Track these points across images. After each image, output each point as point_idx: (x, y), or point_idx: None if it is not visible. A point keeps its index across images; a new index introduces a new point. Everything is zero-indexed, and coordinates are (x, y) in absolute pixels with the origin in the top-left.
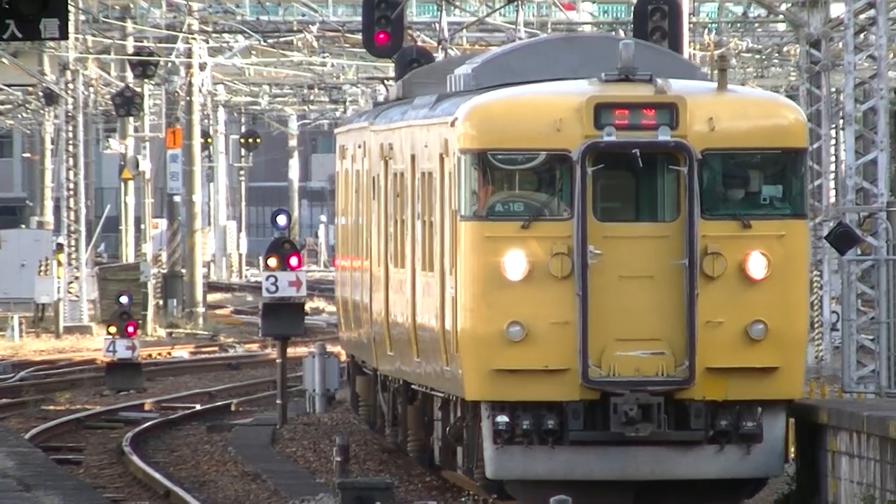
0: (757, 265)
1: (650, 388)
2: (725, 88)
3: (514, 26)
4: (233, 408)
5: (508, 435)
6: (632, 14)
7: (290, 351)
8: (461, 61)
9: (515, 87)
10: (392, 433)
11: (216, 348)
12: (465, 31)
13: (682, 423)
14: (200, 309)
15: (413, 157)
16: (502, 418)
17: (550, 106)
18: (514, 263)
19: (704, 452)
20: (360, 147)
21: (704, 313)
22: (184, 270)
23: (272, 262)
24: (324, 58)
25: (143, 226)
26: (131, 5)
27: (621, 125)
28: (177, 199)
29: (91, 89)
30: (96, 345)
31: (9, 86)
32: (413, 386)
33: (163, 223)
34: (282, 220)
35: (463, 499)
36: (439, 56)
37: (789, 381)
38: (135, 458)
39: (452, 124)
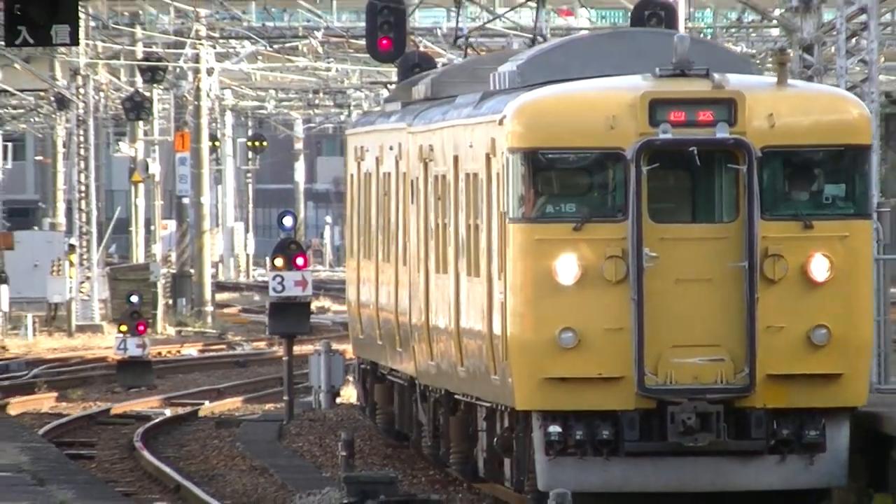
0: (819, 267)
1: (709, 396)
2: (785, 83)
3: (515, 30)
4: (201, 413)
5: (561, 446)
6: (629, 20)
7: (297, 349)
8: (493, 60)
9: (566, 84)
10: (432, 445)
11: (224, 346)
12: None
13: (743, 432)
14: (209, 308)
15: (456, 158)
16: (555, 428)
17: (603, 102)
18: (566, 267)
19: (765, 462)
20: (391, 148)
21: (765, 318)
22: (192, 270)
23: (279, 262)
24: (328, 63)
25: (152, 227)
26: (140, 12)
27: (677, 122)
28: (185, 201)
29: (101, 94)
30: (107, 343)
31: (21, 91)
32: (456, 396)
33: (172, 224)
34: (288, 221)
35: (464, 488)
36: (442, 61)
37: (853, 389)
38: (145, 454)
39: (500, 122)
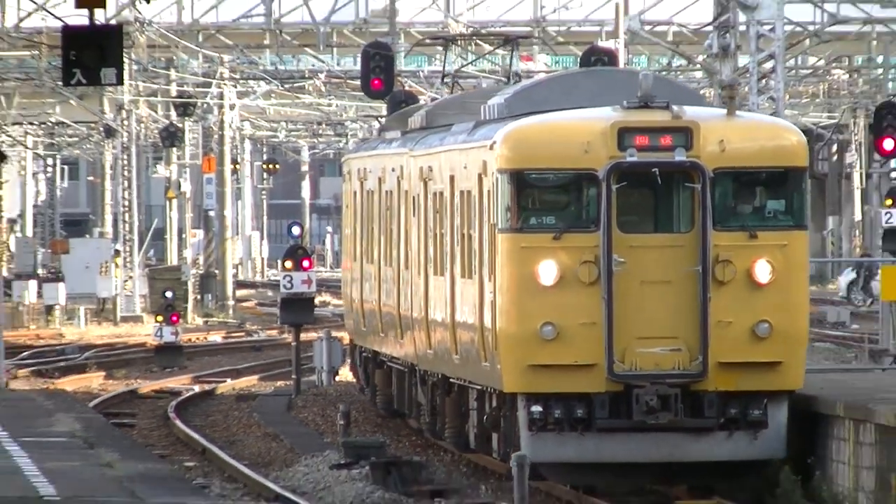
0: (762, 271)
1: (668, 380)
2: (734, 114)
3: (484, 73)
4: (223, 389)
5: (542, 423)
6: (578, 63)
7: (303, 336)
8: (479, 95)
9: (547, 114)
10: (430, 421)
11: (243, 333)
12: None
13: (697, 411)
14: (230, 302)
15: (452, 178)
16: (536, 408)
17: (579, 130)
18: (547, 271)
19: (716, 437)
20: (393, 170)
21: (716, 314)
22: (217, 271)
23: (288, 264)
24: (329, 99)
25: (184, 235)
26: (174, 57)
27: (642, 147)
28: (211, 213)
29: (142, 125)
30: (146, 331)
31: (75, 122)
32: (451, 379)
33: (200, 233)
34: (296, 230)
35: (441, 453)
36: (424, 98)
37: (791, 374)
38: (177, 422)
39: (491, 147)
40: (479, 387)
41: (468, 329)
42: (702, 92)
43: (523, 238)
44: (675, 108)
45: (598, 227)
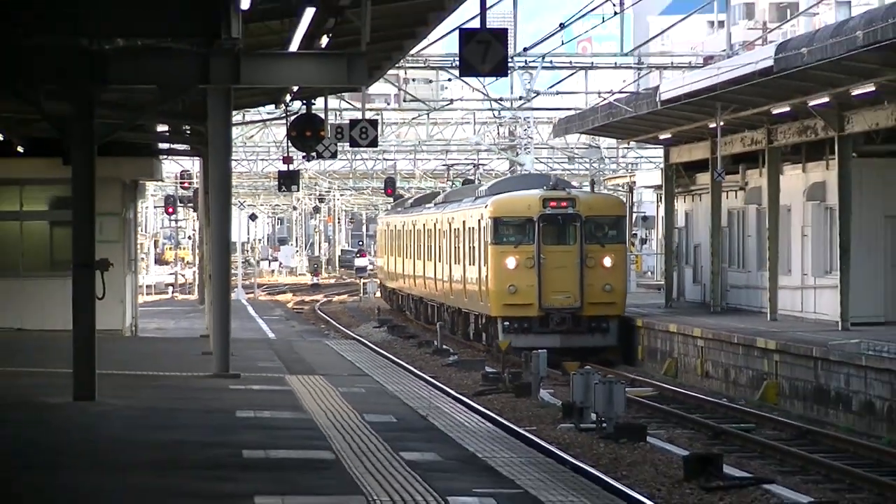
0: (608, 262)
1: (565, 311)
2: (593, 192)
3: (449, 185)
4: (336, 299)
5: (509, 329)
6: (462, 183)
7: (363, 280)
8: (471, 188)
9: (510, 192)
10: (450, 328)
11: (342, 279)
12: (414, 191)
13: (578, 325)
14: (337, 268)
15: (464, 222)
16: (506, 323)
17: (525, 199)
18: (511, 262)
19: (586, 336)
20: (432, 219)
21: (587, 281)
22: (331, 257)
23: (359, 255)
24: (373, 196)
25: (321, 245)
26: (318, 181)
27: (554, 206)
28: (330, 236)
29: (305, 206)
30: (307, 279)
31: (283, 204)
32: (462, 309)
33: (326, 245)
34: (360, 244)
35: (426, 324)
36: (408, 196)
37: (621, 308)
38: (319, 311)
39: (485, 207)
40: (476, 313)
41: (472, 286)
42: None
43: (500, 247)
44: (567, 189)
45: (534, 243)
